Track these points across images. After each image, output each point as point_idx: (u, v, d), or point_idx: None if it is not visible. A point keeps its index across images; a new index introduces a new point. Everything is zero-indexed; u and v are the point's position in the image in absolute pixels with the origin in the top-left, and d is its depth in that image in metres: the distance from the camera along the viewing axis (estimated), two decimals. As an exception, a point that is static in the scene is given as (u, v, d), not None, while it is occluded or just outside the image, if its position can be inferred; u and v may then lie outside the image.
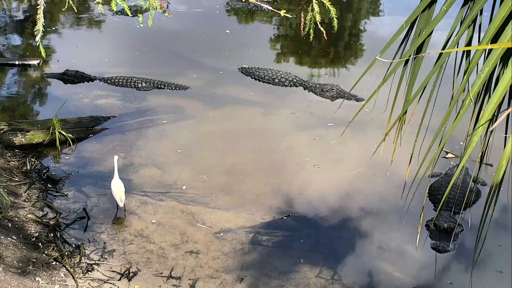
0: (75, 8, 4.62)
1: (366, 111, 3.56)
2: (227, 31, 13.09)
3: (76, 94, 9.61)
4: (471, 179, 5.05)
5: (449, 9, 2.68)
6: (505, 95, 2.46)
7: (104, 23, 13.25)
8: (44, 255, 5.71)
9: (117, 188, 6.56)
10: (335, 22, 4.11)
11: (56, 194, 6.96)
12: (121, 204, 6.59)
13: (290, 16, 4.72)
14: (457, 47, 2.61)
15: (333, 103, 9.71)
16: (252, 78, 10.53)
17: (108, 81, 10.00)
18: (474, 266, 5.24)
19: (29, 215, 6.30)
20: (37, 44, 3.76)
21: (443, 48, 2.73)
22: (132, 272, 5.73)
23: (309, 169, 7.74)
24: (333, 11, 4.02)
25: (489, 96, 2.63)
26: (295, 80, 10.32)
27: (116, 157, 6.67)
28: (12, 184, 6.75)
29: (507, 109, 2.32)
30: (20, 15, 13.81)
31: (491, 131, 2.50)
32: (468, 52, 2.79)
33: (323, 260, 6.11)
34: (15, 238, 5.76)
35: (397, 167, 4.31)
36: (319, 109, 9.39)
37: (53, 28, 12.70)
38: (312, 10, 3.97)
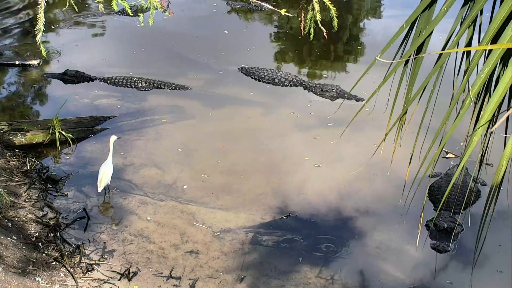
0: (75, 7, 4.62)
1: (366, 111, 3.56)
2: (225, 31, 13.07)
3: (76, 94, 9.60)
4: (471, 179, 5.05)
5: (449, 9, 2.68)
6: (505, 95, 2.46)
7: (104, 22, 13.24)
8: (44, 255, 5.71)
9: (102, 171, 6.58)
10: (335, 21, 4.10)
11: (56, 194, 6.96)
12: (99, 189, 6.60)
13: (291, 15, 4.72)
14: (457, 47, 2.61)
15: (333, 103, 9.71)
16: (252, 78, 10.53)
17: (108, 81, 10.00)
18: (474, 266, 5.23)
19: (29, 215, 6.29)
20: (38, 43, 3.75)
21: (443, 49, 2.73)
22: (132, 272, 5.73)
23: (309, 169, 7.74)
24: (333, 10, 4.02)
25: (489, 96, 2.63)
26: (295, 80, 10.31)
27: (113, 137, 6.61)
28: (12, 184, 6.75)
29: (507, 110, 2.32)
30: (20, 15, 13.79)
31: (491, 132, 2.51)
32: (468, 52, 2.79)
33: (323, 260, 6.12)
34: (15, 238, 5.76)
35: (397, 167, 4.31)
36: (319, 109, 9.38)
37: (52, 27, 12.69)
38: (313, 9, 3.96)
